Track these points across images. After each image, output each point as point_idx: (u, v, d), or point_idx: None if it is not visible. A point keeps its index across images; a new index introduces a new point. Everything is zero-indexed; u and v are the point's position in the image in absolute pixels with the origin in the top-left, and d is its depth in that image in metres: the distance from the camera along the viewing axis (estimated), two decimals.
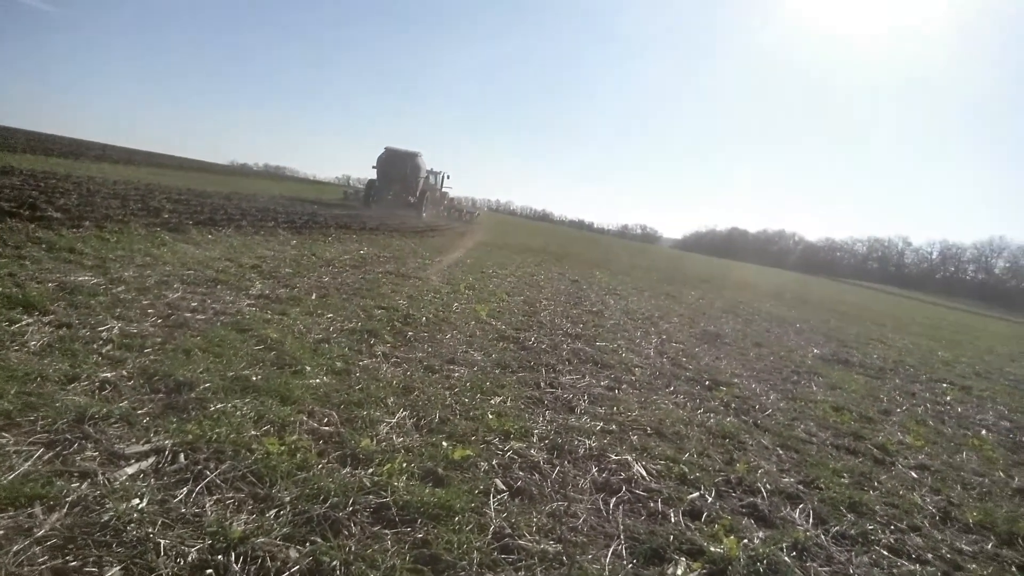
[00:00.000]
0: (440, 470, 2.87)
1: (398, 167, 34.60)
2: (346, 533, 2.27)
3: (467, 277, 10.57)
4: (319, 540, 2.19)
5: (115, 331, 3.89)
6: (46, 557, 1.86)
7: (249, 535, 2.11)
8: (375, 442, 3.06)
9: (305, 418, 3.20)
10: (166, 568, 1.89)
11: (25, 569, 1.80)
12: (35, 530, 1.95)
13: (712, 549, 2.59)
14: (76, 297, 4.46)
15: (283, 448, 2.77)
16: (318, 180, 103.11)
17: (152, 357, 3.59)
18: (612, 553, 2.47)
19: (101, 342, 3.66)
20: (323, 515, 2.33)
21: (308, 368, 3.94)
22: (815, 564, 2.71)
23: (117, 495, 2.19)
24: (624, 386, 5.16)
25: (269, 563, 2.01)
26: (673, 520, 2.86)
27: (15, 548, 1.86)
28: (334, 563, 2.07)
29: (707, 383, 5.83)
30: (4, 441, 2.39)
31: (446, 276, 10.18)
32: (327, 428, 3.14)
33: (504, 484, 2.88)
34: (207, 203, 14.78)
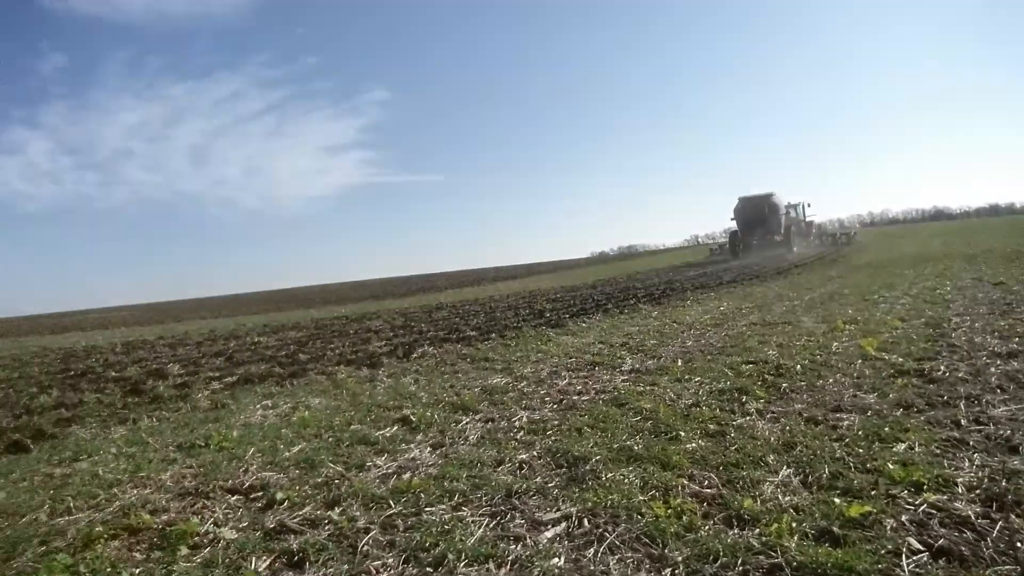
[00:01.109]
0: (835, 528, 2.64)
1: (756, 212, 34.40)
2: None
3: (845, 310, 9.46)
4: None
5: (523, 419, 4.77)
6: None
7: None
8: (759, 502, 3.00)
9: (686, 481, 3.34)
10: None
11: None
12: None
13: None
14: (493, 396, 5.63)
15: (669, 511, 2.96)
16: (668, 248, 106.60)
17: (553, 438, 4.27)
18: None
19: (515, 430, 4.53)
20: (715, 574, 2.41)
21: (682, 433, 4.11)
22: None
23: (541, 555, 2.68)
24: None
25: None
26: None
27: None
28: None
29: None
30: (464, 513, 3.17)
31: (820, 314, 9.30)
32: (708, 490, 3.22)
33: (920, 543, 2.48)
34: (577, 295, 16.82)
